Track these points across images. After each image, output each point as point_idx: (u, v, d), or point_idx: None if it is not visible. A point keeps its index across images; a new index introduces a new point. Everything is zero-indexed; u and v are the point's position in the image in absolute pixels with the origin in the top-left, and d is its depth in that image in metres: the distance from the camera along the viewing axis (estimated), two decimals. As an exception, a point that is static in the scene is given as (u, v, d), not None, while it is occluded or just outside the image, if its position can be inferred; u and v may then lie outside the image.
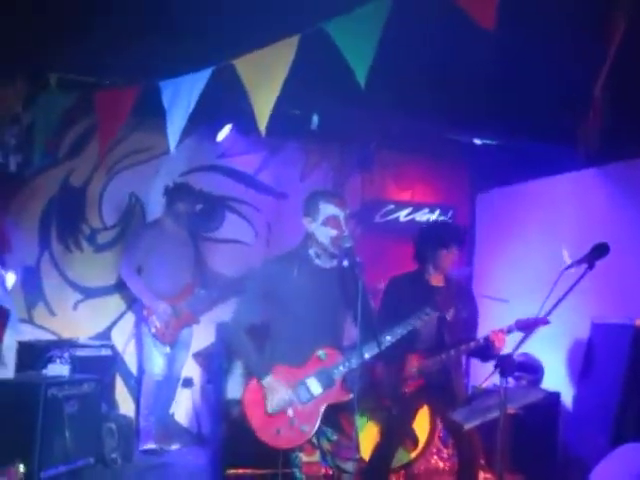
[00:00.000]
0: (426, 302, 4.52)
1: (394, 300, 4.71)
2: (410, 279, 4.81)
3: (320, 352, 3.77)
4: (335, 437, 3.82)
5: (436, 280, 4.78)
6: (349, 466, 3.80)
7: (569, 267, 3.41)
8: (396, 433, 4.68)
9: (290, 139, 7.09)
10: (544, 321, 4.32)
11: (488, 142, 6.66)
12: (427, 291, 4.66)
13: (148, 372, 5.98)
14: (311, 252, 3.86)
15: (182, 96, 3.96)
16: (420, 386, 4.60)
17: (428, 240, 4.75)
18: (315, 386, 3.74)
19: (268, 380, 3.71)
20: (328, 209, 3.79)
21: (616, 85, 4.14)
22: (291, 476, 3.79)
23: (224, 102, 5.37)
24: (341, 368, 3.75)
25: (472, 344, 4.50)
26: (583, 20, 4.24)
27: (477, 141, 6.63)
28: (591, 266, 3.39)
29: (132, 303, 6.39)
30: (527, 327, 4.21)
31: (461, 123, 6.09)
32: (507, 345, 4.35)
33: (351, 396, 3.71)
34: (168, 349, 6.02)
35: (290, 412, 3.70)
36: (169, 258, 6.06)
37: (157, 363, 5.95)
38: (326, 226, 3.77)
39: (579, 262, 3.43)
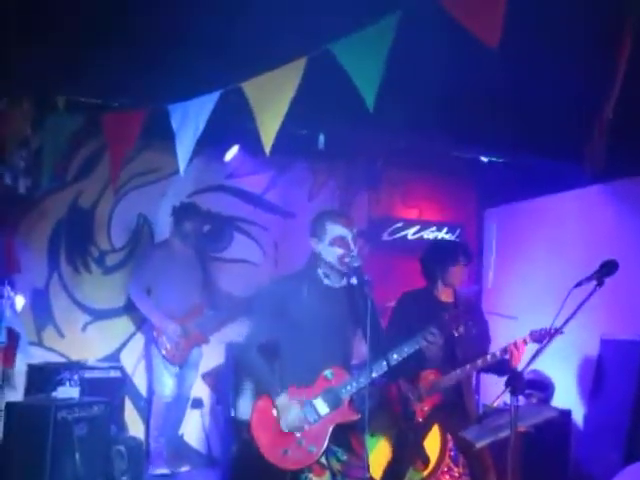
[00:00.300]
0: (435, 318, 4.55)
1: (403, 316, 4.73)
2: (419, 295, 4.82)
3: (327, 372, 3.76)
4: (345, 457, 3.79)
5: (445, 296, 4.79)
6: (360, 486, 3.77)
7: (578, 285, 3.39)
8: (407, 453, 4.67)
9: (297, 159, 7.13)
10: (557, 331, 4.33)
11: (495, 159, 6.67)
12: (436, 307, 4.68)
13: (158, 393, 5.98)
14: (320, 272, 3.85)
15: (190, 119, 3.99)
16: (435, 404, 4.59)
17: (436, 257, 4.78)
18: (322, 406, 3.72)
19: (282, 399, 3.69)
20: (335, 230, 3.77)
21: (622, 102, 4.15)
22: None
23: (232, 123, 5.40)
24: (348, 387, 3.73)
25: (489, 357, 4.49)
26: (590, 37, 4.27)
27: (484, 158, 6.64)
28: (600, 283, 3.37)
29: (141, 324, 6.39)
30: (541, 338, 4.22)
31: (468, 140, 6.10)
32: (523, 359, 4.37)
33: (359, 416, 3.71)
34: (177, 370, 6.02)
35: (298, 432, 3.69)
36: (177, 278, 6.07)
37: (167, 384, 5.95)
38: (333, 246, 3.75)
39: (588, 279, 3.41)
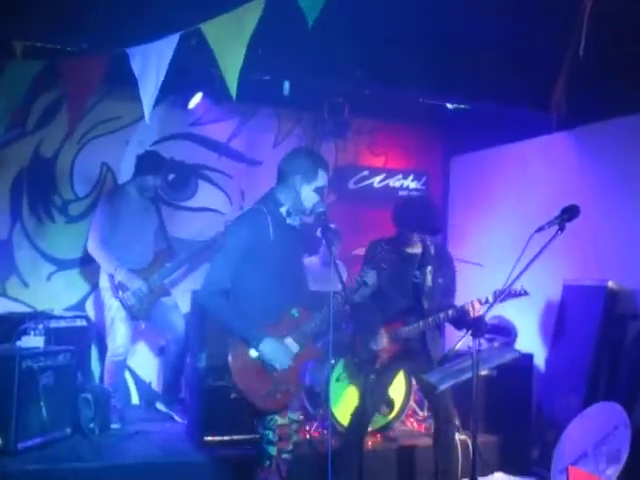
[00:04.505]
0: (402, 269, 4.56)
1: (373, 265, 4.73)
2: (388, 245, 4.80)
3: (293, 310, 3.81)
4: None
5: (413, 247, 4.77)
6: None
7: (539, 229, 3.42)
8: (372, 398, 4.73)
9: (262, 105, 7.06)
10: (522, 293, 4.37)
11: (460, 107, 6.66)
12: (404, 259, 4.69)
13: (112, 351, 5.76)
14: (283, 210, 3.87)
15: (152, 63, 3.90)
16: (396, 352, 4.64)
17: (408, 226, 4.69)
18: (293, 345, 3.78)
19: (265, 342, 3.70)
20: (323, 179, 3.85)
21: (586, 49, 4.16)
22: (264, 439, 3.85)
23: (194, 69, 5.32)
24: (313, 325, 3.80)
25: (450, 312, 4.53)
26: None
27: (449, 106, 6.62)
28: (561, 228, 3.40)
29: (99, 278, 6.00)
30: (505, 298, 4.25)
31: (434, 88, 6.07)
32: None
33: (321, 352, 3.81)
34: (143, 325, 5.92)
35: (275, 373, 3.74)
36: (134, 228, 5.85)
37: (122, 342, 5.74)
38: (316, 193, 3.84)
39: (549, 224, 3.44)
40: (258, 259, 3.76)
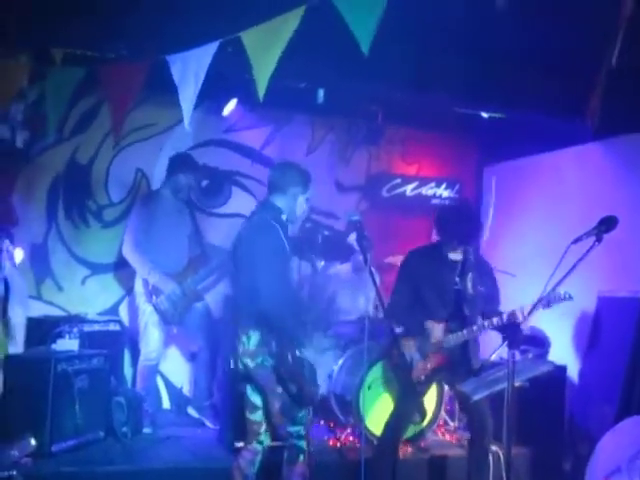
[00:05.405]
0: (443, 276, 4.55)
1: (411, 273, 4.72)
2: (428, 252, 4.79)
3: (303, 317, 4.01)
4: None
5: (454, 254, 4.74)
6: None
7: (576, 240, 3.39)
8: (408, 406, 4.70)
9: (296, 113, 7.09)
10: (566, 297, 4.33)
11: (495, 115, 6.63)
12: (445, 265, 4.66)
13: (145, 355, 5.78)
14: (283, 218, 4.08)
15: (190, 70, 3.96)
16: (440, 364, 4.59)
17: (451, 235, 4.66)
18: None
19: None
20: (310, 192, 4.22)
21: (621, 60, 4.13)
22: (294, 435, 3.95)
23: (229, 76, 5.35)
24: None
25: (495, 320, 4.46)
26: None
27: (484, 115, 6.60)
28: (599, 239, 3.38)
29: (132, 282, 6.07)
30: (551, 303, 4.21)
31: (468, 96, 6.05)
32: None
33: None
34: (175, 330, 5.95)
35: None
36: (168, 232, 5.88)
37: (155, 347, 5.76)
38: (307, 203, 4.20)
39: (587, 235, 3.42)
40: (280, 267, 3.93)
